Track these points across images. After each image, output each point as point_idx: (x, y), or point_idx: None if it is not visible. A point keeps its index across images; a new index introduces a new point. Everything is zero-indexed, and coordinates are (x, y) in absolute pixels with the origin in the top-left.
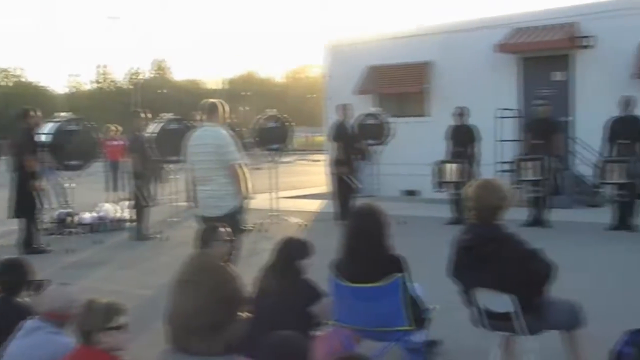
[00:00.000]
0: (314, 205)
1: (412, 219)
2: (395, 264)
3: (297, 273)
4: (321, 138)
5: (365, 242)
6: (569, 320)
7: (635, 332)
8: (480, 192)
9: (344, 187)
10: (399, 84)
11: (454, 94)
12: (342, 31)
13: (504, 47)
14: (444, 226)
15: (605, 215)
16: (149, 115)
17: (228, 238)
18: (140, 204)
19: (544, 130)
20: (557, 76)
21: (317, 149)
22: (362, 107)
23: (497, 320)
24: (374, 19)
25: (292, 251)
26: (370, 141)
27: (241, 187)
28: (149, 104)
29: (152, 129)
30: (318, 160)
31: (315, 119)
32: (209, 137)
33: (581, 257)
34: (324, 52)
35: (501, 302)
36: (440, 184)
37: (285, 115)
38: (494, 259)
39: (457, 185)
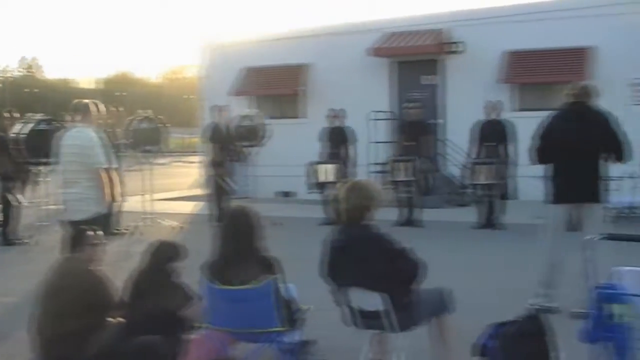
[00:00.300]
0: (190, 207)
1: (287, 220)
2: (268, 266)
3: (169, 276)
4: (197, 139)
5: (238, 244)
6: (438, 308)
7: (498, 325)
8: (349, 193)
9: (219, 188)
10: (275, 86)
11: (330, 96)
12: (219, 32)
13: (377, 51)
14: (318, 227)
15: (473, 214)
16: (16, 115)
17: (97, 241)
18: (8, 207)
19: (416, 133)
20: (428, 80)
21: (193, 150)
22: (239, 108)
23: (368, 319)
24: (251, 21)
25: (164, 254)
26: (245, 143)
27: (106, 193)
28: (19, 103)
29: (19, 129)
30: (194, 162)
31: (191, 120)
32: (77, 139)
33: (450, 255)
34: (200, 53)
35: (372, 300)
36: (315, 185)
37: (160, 117)
38: (365, 259)
39: (332, 186)
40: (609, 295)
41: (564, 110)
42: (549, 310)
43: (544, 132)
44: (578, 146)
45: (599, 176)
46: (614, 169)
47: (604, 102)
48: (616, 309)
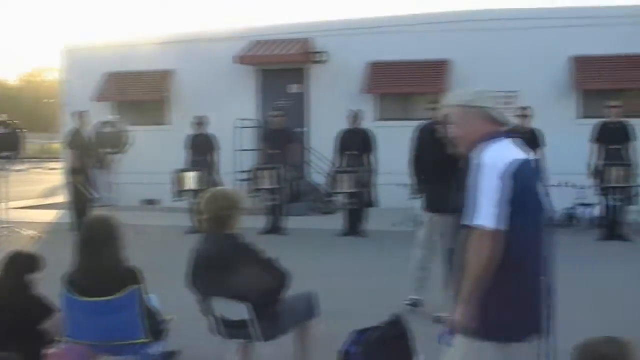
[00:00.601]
0: (50, 216)
1: (152, 229)
2: (130, 276)
3: (26, 288)
4: (57, 146)
5: (98, 254)
6: (304, 315)
7: (360, 332)
8: (209, 203)
9: (80, 196)
10: (139, 92)
11: (195, 104)
12: (81, 35)
13: (243, 59)
14: (184, 235)
15: (338, 221)
16: None
17: None
18: None
19: (280, 141)
20: (294, 89)
21: (53, 157)
22: (101, 114)
23: (233, 329)
24: (115, 25)
25: (20, 265)
26: (108, 150)
27: None
28: None
29: None
30: (54, 169)
31: (52, 126)
32: None
33: (315, 262)
34: (60, 56)
35: (236, 310)
36: (180, 192)
37: (17, 121)
38: (229, 268)
39: (197, 194)
40: None
41: (434, 122)
42: (416, 304)
43: (416, 143)
44: (445, 157)
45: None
46: None
47: None
48: None
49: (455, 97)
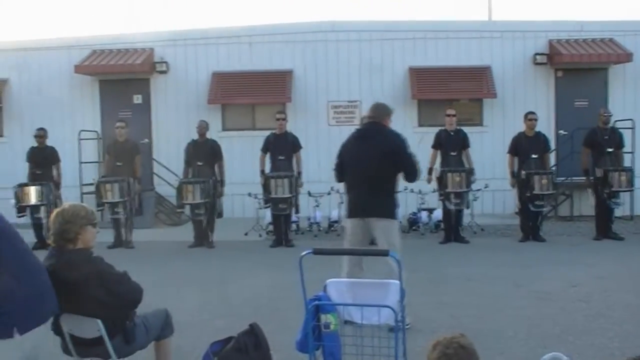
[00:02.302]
0: None
1: None
2: None
3: None
4: None
5: None
6: (160, 331)
7: (215, 343)
8: (55, 217)
9: None
10: None
11: (32, 114)
12: None
13: (80, 69)
14: None
15: (187, 233)
16: None
17: None
18: None
19: (124, 152)
20: (138, 99)
21: None
22: None
23: (85, 346)
24: None
25: None
26: None
27: None
28: None
29: None
30: None
31: None
32: None
33: (166, 274)
34: None
35: (88, 327)
36: (22, 207)
37: None
38: (77, 284)
39: (37, 208)
40: (318, 306)
41: (358, 129)
42: None
43: (340, 150)
44: (360, 164)
45: (385, 193)
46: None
47: (304, 122)
48: (324, 318)
49: None
